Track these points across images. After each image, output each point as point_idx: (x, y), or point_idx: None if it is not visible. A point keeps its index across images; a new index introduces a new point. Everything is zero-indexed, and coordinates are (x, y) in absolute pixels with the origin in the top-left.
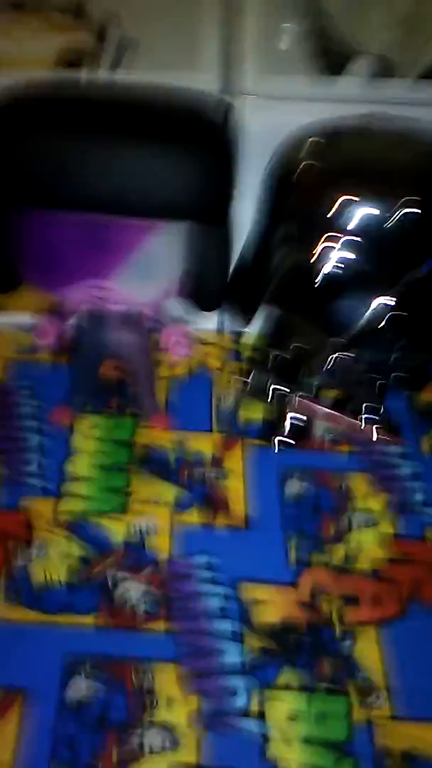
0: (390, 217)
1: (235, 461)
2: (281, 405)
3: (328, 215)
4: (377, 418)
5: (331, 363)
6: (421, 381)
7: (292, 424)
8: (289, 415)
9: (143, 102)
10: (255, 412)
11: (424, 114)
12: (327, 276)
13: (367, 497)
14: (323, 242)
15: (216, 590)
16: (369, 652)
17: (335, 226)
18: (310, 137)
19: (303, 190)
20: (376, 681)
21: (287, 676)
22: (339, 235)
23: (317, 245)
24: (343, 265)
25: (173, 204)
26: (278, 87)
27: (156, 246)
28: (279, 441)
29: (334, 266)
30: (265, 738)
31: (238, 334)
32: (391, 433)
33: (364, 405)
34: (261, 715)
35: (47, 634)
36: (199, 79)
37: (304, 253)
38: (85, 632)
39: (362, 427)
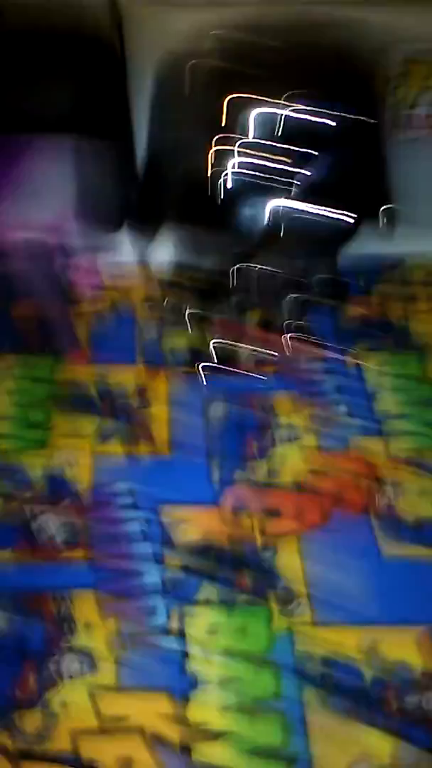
0: (283, 116)
1: (160, 391)
2: (203, 331)
3: (221, 118)
4: (301, 335)
5: (245, 281)
6: (341, 292)
7: (215, 349)
8: (212, 340)
9: (35, 30)
10: (179, 341)
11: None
12: (224, 182)
13: (290, 413)
14: (217, 147)
15: (137, 515)
16: (290, 562)
17: (228, 129)
18: (203, 41)
19: (194, 94)
20: (297, 589)
21: (207, 591)
22: (232, 137)
23: (211, 151)
24: (241, 170)
25: (61, 116)
26: None
27: (44, 166)
28: (203, 368)
29: (230, 172)
30: (185, 654)
31: (157, 265)
32: (315, 350)
33: (287, 323)
34: (180, 632)
35: None
36: None
37: (199, 160)
38: (2, 567)
39: (287, 346)
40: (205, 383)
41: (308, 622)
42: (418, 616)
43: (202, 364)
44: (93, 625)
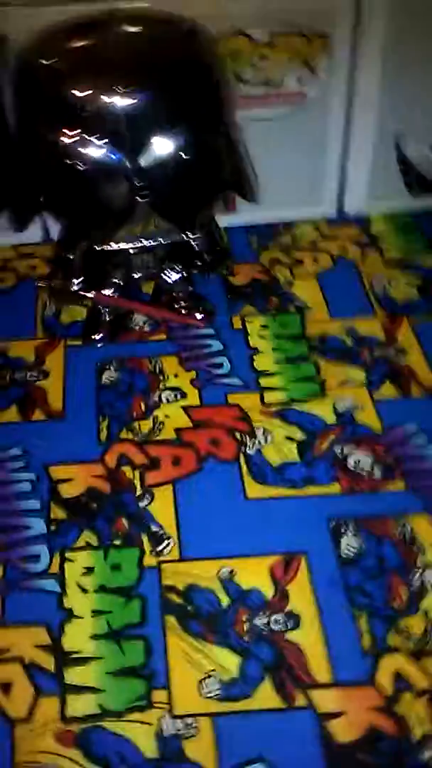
0: (118, 107)
1: (56, 361)
2: (93, 304)
3: (69, 111)
4: (186, 303)
5: (123, 256)
6: (216, 263)
7: (103, 321)
8: (100, 312)
9: None
10: (73, 314)
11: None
12: (77, 169)
13: (175, 376)
14: (66, 137)
15: (26, 476)
16: (164, 507)
17: (73, 120)
18: (52, 36)
19: (43, 89)
20: (168, 532)
21: (86, 537)
22: (78, 128)
23: (63, 140)
24: (88, 156)
25: None
26: None
27: None
28: (95, 338)
29: (81, 158)
30: (63, 592)
31: (41, 243)
32: (200, 315)
33: (174, 293)
34: (60, 574)
35: None
36: None
37: (54, 150)
38: None
39: (174, 314)
40: (97, 350)
41: (175, 559)
42: (272, 548)
43: (96, 334)
44: None
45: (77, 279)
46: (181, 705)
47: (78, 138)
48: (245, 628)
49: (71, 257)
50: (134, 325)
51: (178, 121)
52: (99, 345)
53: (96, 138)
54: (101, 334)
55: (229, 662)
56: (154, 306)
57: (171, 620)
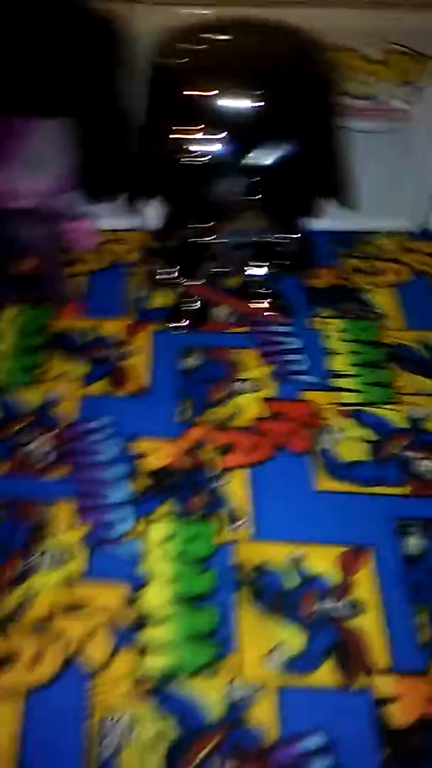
0: (245, 108)
1: (142, 342)
2: (182, 292)
3: (192, 109)
4: (269, 301)
5: (221, 250)
6: (304, 266)
7: (190, 309)
8: (188, 301)
9: (39, 7)
10: (162, 299)
11: (288, 14)
12: (197, 163)
13: (253, 368)
14: (188, 133)
15: (111, 445)
16: (238, 489)
17: (200, 118)
18: (181, 38)
19: (175, 87)
20: (242, 511)
21: (167, 507)
22: (203, 126)
23: (184, 136)
24: (209, 152)
25: (57, 102)
26: None
27: (47, 142)
28: (175, 325)
29: (203, 153)
30: (143, 555)
31: (145, 231)
32: (281, 313)
33: (259, 290)
34: (141, 538)
35: None
36: None
37: (173, 144)
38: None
39: (255, 309)
40: (180, 336)
41: (247, 538)
42: (341, 539)
43: (181, 321)
44: (69, 529)
45: (173, 267)
46: (249, 672)
47: (198, 134)
48: (312, 609)
49: (170, 246)
50: (217, 317)
51: (292, 126)
52: (183, 331)
53: (215, 135)
54: (186, 322)
55: (295, 638)
56: (240, 300)
57: (242, 594)
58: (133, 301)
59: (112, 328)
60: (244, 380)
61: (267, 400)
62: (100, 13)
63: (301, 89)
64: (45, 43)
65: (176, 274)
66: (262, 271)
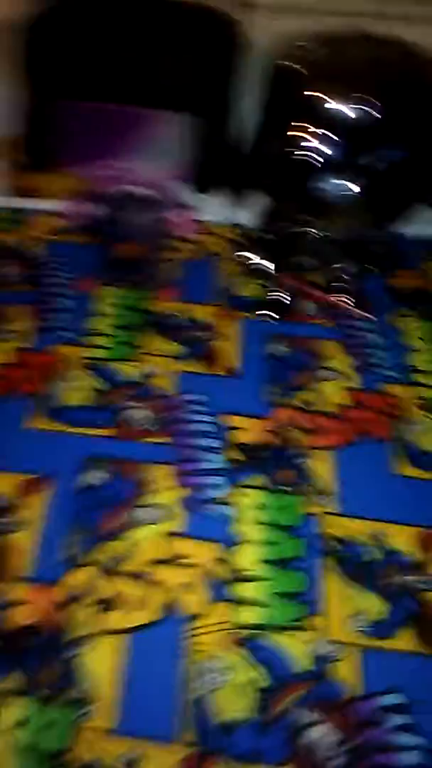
0: (362, 114)
1: (230, 327)
2: (271, 283)
3: (309, 112)
4: (353, 296)
5: (315, 245)
6: (390, 266)
7: (278, 300)
8: (277, 292)
9: (166, 12)
10: (250, 289)
11: (399, 29)
12: (306, 162)
13: (336, 359)
14: (303, 133)
15: (204, 418)
16: (322, 466)
17: (316, 120)
18: (302, 45)
19: (290, 91)
20: (327, 487)
21: (254, 479)
22: (318, 128)
23: (299, 136)
24: (320, 153)
25: (181, 94)
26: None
27: (165, 135)
28: (263, 314)
29: (311, 153)
30: (234, 519)
31: (242, 226)
32: (364, 309)
33: (344, 286)
34: (234, 503)
35: (75, 440)
36: None
37: (288, 142)
38: (102, 440)
39: (343, 305)
40: (267, 324)
41: (332, 511)
42: (420, 521)
43: (269, 310)
44: (169, 489)
45: (266, 259)
46: (334, 632)
47: (313, 134)
48: (392, 581)
49: (264, 238)
50: (304, 308)
51: (400, 134)
52: (271, 320)
53: (328, 136)
54: (274, 311)
55: (378, 605)
56: (326, 293)
57: (329, 561)
58: (224, 289)
59: (204, 313)
60: (328, 369)
61: (349, 389)
62: (225, 19)
63: (411, 100)
64: (176, 44)
65: (267, 266)
66: (351, 268)
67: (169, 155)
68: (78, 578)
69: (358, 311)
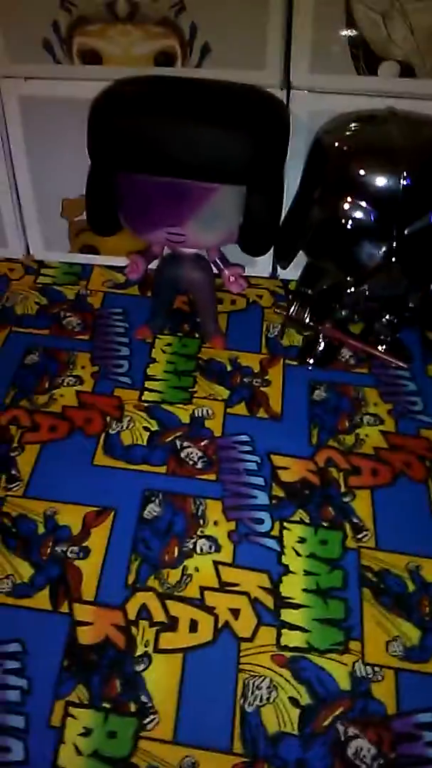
0: (395, 186)
1: (276, 374)
2: (314, 334)
3: (349, 183)
4: (391, 347)
5: (353, 299)
6: (426, 320)
7: (319, 349)
8: (318, 342)
9: (218, 89)
10: (294, 339)
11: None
12: (345, 228)
13: (376, 404)
14: (343, 203)
15: (252, 458)
16: (364, 505)
17: (353, 191)
18: (341, 123)
19: (331, 164)
20: (366, 524)
21: (299, 514)
22: (355, 198)
23: (341, 205)
24: (356, 220)
25: (236, 172)
26: (321, 82)
27: (220, 202)
28: (310, 362)
29: (353, 221)
30: (281, 552)
31: (284, 281)
32: (402, 359)
33: (381, 336)
34: (279, 537)
35: (133, 476)
36: (262, 76)
37: (329, 211)
38: (158, 476)
39: (379, 354)
40: (310, 372)
41: (371, 547)
42: None
43: (309, 359)
44: (218, 523)
45: (310, 311)
46: (371, 656)
47: (356, 205)
48: (427, 611)
49: (306, 293)
50: (343, 357)
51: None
52: (310, 368)
53: (371, 207)
54: (314, 359)
55: (412, 633)
56: (364, 344)
57: (366, 592)
58: (268, 338)
59: (249, 360)
60: (366, 414)
61: (387, 433)
62: (273, 98)
63: None
64: (229, 122)
65: (308, 318)
66: (388, 321)
67: (221, 222)
68: (137, 602)
69: (394, 360)
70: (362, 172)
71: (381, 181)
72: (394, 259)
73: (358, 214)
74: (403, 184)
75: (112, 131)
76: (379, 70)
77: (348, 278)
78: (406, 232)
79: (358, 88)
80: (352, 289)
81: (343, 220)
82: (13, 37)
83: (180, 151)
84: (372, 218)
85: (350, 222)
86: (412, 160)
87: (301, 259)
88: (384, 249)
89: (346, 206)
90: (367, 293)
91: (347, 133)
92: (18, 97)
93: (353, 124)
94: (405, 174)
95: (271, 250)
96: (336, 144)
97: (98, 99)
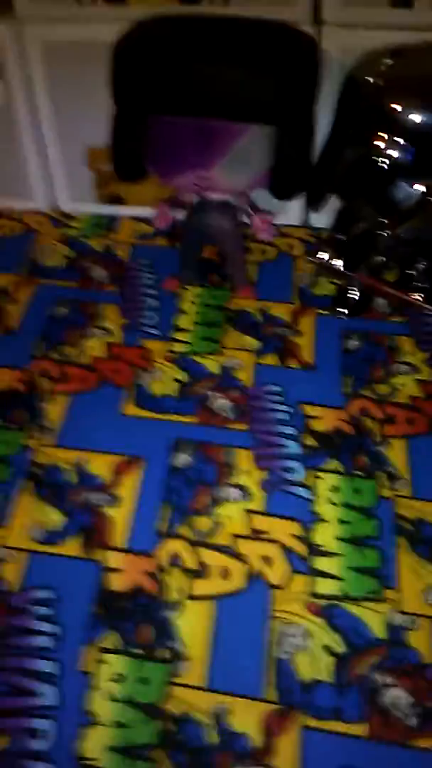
0: (425, 121)
1: (307, 324)
2: (348, 282)
3: (384, 120)
4: (424, 293)
5: (388, 244)
6: None
7: (352, 298)
8: (351, 291)
9: (245, 28)
10: (326, 288)
11: None
12: (380, 167)
13: (410, 353)
14: (379, 141)
15: (283, 408)
16: (398, 454)
17: (389, 128)
18: (374, 58)
19: (366, 101)
20: (401, 473)
21: (332, 464)
22: (392, 135)
23: (375, 143)
24: (393, 159)
25: (265, 112)
26: (354, 16)
27: (247, 144)
28: (344, 312)
29: (387, 159)
30: (312, 501)
31: (314, 228)
32: None
33: (417, 284)
34: (312, 486)
35: (163, 426)
36: (291, 11)
37: (364, 149)
38: (188, 426)
39: (415, 301)
40: (343, 321)
41: (406, 495)
42: None
43: (345, 308)
44: (250, 471)
45: (340, 259)
46: (408, 605)
47: (385, 140)
48: None
49: (339, 239)
50: (377, 305)
51: None
52: (344, 318)
53: (408, 144)
54: (348, 309)
55: None
56: (399, 291)
57: (402, 541)
58: (299, 288)
59: (280, 310)
60: (400, 362)
61: (422, 382)
62: (303, 35)
63: None
64: (257, 60)
65: (342, 265)
66: (422, 267)
67: (253, 164)
68: (168, 549)
69: (429, 307)
70: (398, 107)
71: (418, 117)
72: (427, 201)
73: (395, 152)
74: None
75: (138, 73)
76: (413, 2)
77: (383, 221)
78: None
79: (393, 22)
80: (388, 233)
81: (379, 159)
82: None
83: (206, 91)
84: (409, 156)
85: (386, 160)
86: None
87: (333, 204)
88: (422, 188)
89: (382, 144)
90: (402, 237)
91: (381, 68)
92: (41, 42)
93: (387, 59)
94: None
95: (303, 195)
96: (371, 80)
97: (122, 40)
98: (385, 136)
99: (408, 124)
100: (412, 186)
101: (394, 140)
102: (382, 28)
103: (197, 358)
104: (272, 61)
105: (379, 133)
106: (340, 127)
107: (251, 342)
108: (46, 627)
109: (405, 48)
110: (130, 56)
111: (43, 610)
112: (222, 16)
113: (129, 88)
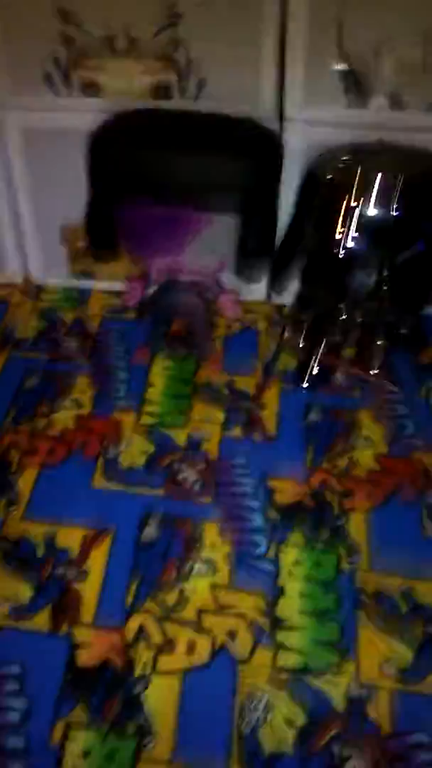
0: (385, 217)
1: (271, 397)
2: (308, 357)
3: (341, 215)
4: (383, 371)
5: (344, 324)
6: (417, 345)
7: (314, 372)
8: (313, 365)
9: (214, 123)
10: (289, 362)
11: (423, 138)
12: (339, 256)
13: (368, 428)
14: (337, 233)
15: (248, 480)
16: (358, 527)
17: (345, 222)
18: (332, 156)
19: (324, 196)
20: (360, 545)
21: (295, 537)
22: (347, 228)
23: (333, 235)
24: (350, 249)
25: (231, 201)
26: (315, 114)
27: (215, 232)
28: (304, 385)
29: (344, 249)
30: (277, 574)
31: (278, 305)
32: (392, 383)
33: (373, 361)
34: (275, 559)
35: (132, 498)
36: (256, 108)
37: (323, 240)
38: (157, 499)
39: (370, 377)
40: (305, 394)
41: (364, 568)
42: None
43: (305, 381)
44: (216, 545)
45: (300, 336)
46: (366, 676)
47: (347, 234)
48: (420, 630)
49: (300, 318)
50: (336, 380)
51: (419, 231)
52: (304, 391)
53: (361, 236)
54: (308, 382)
55: (406, 653)
56: (357, 368)
57: (360, 613)
58: (263, 361)
59: (245, 383)
60: (360, 437)
61: (380, 456)
62: (268, 130)
63: (429, 202)
64: (225, 153)
65: (302, 342)
66: (380, 345)
67: (216, 251)
68: (135, 624)
69: (386, 383)
70: (353, 204)
71: (372, 212)
72: (384, 287)
73: (351, 243)
74: (393, 215)
75: (113, 160)
76: (369, 104)
77: (340, 305)
78: (392, 259)
79: (350, 121)
80: (345, 316)
81: (336, 249)
82: (15, 70)
83: (182, 181)
84: (364, 247)
85: (342, 251)
86: (401, 191)
87: (295, 285)
88: (375, 277)
89: (338, 236)
90: (359, 319)
91: (339, 165)
92: (20, 129)
93: (344, 157)
94: (395, 206)
95: (266, 278)
96: (328, 177)
97: (99, 130)
98: (342, 229)
99: (362, 219)
100: (366, 275)
101: (350, 233)
102: (340, 127)
103: (165, 430)
104: (238, 154)
105: (335, 227)
106: (301, 217)
107: (217, 414)
108: (14, 703)
109: (361, 146)
110: (106, 145)
111: (12, 685)
112: (192, 111)
113: (105, 174)
